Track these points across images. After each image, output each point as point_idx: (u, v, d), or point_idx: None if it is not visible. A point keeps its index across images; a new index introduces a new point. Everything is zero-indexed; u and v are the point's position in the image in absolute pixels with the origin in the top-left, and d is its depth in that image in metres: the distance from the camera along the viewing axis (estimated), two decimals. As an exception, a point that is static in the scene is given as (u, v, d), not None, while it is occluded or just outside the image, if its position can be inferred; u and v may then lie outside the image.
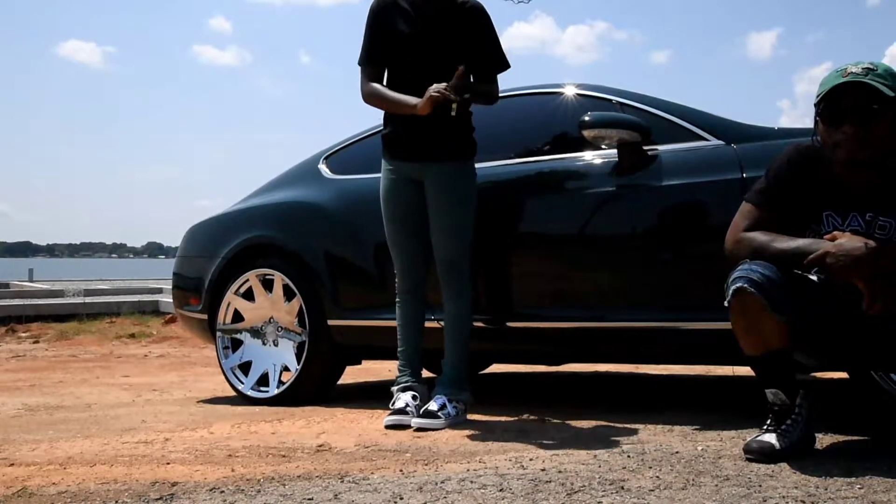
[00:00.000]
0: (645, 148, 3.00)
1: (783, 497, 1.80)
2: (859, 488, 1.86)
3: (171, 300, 4.44)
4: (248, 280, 3.73)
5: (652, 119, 3.06)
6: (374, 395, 3.68)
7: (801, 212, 2.24)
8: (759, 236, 2.21)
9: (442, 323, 3.10)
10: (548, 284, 3.18)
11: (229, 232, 3.87)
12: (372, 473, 2.16)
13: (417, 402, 2.96)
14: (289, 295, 3.61)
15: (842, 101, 2.13)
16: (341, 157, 3.85)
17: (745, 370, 3.57)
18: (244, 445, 2.61)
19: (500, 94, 3.15)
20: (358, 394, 3.97)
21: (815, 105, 2.20)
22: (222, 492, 2.00)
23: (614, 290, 3.06)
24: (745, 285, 2.09)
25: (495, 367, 4.65)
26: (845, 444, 2.37)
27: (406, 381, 3.06)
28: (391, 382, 3.16)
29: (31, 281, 15.67)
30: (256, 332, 3.73)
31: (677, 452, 2.30)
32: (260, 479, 2.13)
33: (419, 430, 2.82)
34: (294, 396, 3.54)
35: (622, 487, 1.92)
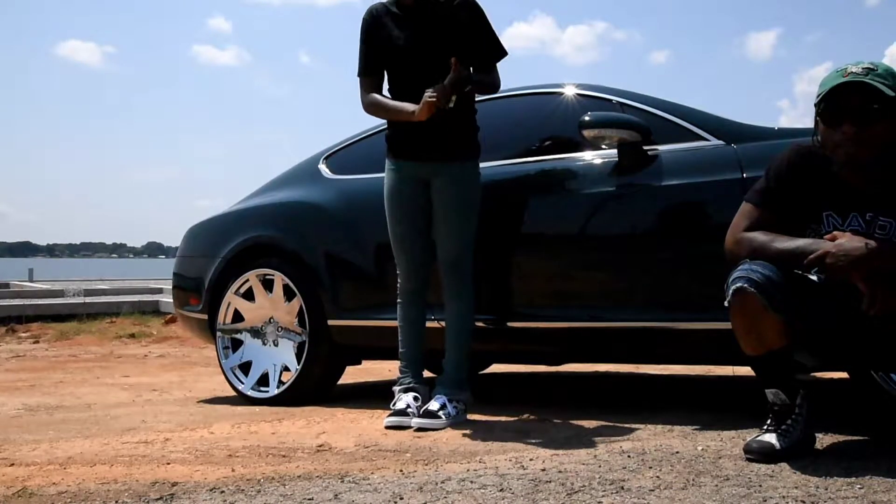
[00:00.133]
0: (645, 148, 3.00)
1: (783, 497, 1.80)
2: (859, 488, 1.86)
3: (172, 300, 4.44)
4: (248, 280, 3.73)
5: (652, 119, 3.06)
6: (374, 395, 3.68)
7: (800, 212, 2.24)
8: (758, 236, 2.21)
9: (443, 323, 3.10)
10: (548, 284, 3.18)
11: (229, 232, 3.87)
12: (372, 473, 2.16)
13: (419, 404, 2.96)
14: (289, 295, 3.61)
15: (842, 101, 2.13)
16: (341, 157, 3.85)
17: (745, 370, 3.58)
18: (244, 445, 2.62)
19: (501, 95, 3.14)
20: (358, 394, 3.97)
21: (815, 105, 2.20)
22: (222, 492, 2.00)
23: (614, 290, 3.06)
24: (745, 285, 2.09)
25: (495, 367, 4.65)
26: (845, 444, 2.37)
27: (408, 382, 3.06)
28: (391, 382, 3.17)
29: (31, 281, 15.67)
30: (256, 332, 3.73)
31: (677, 452, 2.30)
32: (260, 479, 2.13)
33: (419, 430, 2.82)
34: (294, 396, 3.54)
35: (622, 487, 1.92)
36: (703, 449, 2.34)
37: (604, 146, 3.04)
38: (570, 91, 3.35)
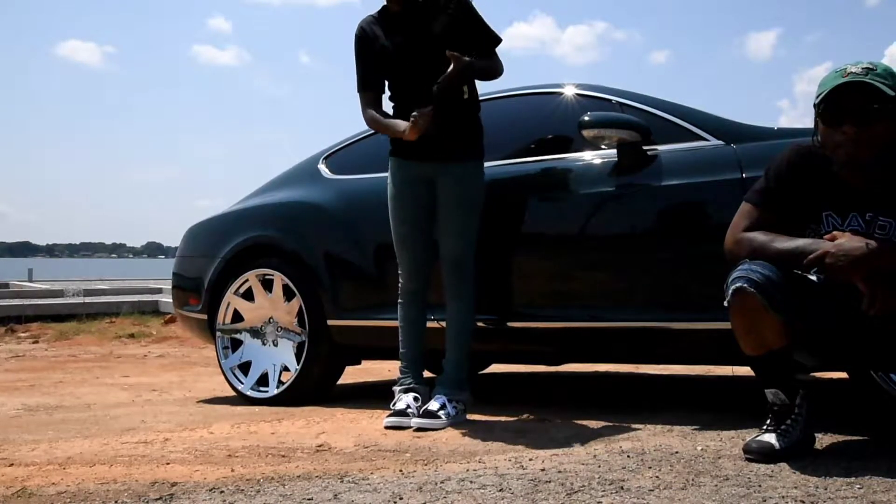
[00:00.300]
0: (645, 148, 3.00)
1: (783, 497, 1.80)
2: (859, 488, 1.86)
3: (171, 300, 4.45)
4: (247, 280, 3.73)
5: (652, 119, 3.06)
6: (374, 395, 3.68)
7: (800, 212, 2.24)
8: (758, 236, 2.21)
9: (443, 323, 3.10)
10: (548, 284, 3.18)
11: (229, 232, 3.87)
12: (372, 473, 2.16)
13: (419, 404, 2.96)
14: (288, 295, 3.61)
15: (842, 101, 2.13)
16: (341, 157, 3.85)
17: (745, 370, 3.58)
18: (244, 445, 2.61)
19: (501, 95, 3.14)
20: (358, 394, 3.97)
21: (814, 105, 2.20)
22: (222, 492, 2.00)
23: (614, 290, 3.06)
24: (745, 285, 2.09)
25: (495, 367, 4.65)
26: (845, 444, 2.37)
27: (408, 383, 3.06)
28: (391, 382, 3.16)
29: (30, 281, 15.66)
30: (256, 332, 3.73)
31: (677, 452, 2.30)
32: (260, 479, 2.13)
33: (419, 430, 2.82)
34: (294, 396, 3.54)
35: (622, 487, 1.92)
36: (702, 449, 2.34)
37: (603, 146, 3.04)
38: (569, 91, 3.35)
